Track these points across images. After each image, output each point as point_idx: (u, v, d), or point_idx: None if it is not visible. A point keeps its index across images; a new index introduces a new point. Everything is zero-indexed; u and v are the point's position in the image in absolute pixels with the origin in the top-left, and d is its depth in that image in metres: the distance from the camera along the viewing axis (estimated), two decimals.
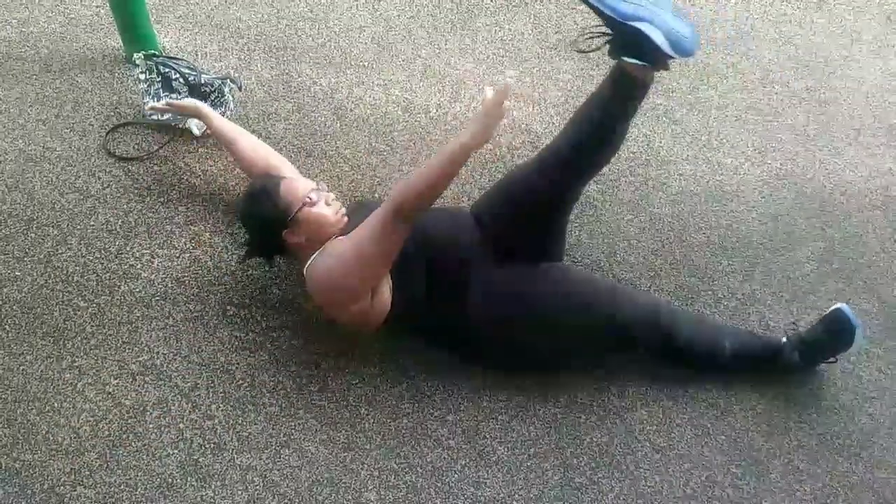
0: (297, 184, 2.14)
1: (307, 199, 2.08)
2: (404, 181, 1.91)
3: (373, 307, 2.05)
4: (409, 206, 1.86)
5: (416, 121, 2.92)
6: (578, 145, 2.11)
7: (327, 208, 2.11)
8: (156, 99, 2.75)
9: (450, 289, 2.08)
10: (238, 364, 2.22)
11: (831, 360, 2.22)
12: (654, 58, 1.94)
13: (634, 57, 1.95)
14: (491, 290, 2.07)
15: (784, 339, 2.21)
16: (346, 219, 2.14)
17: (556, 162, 2.13)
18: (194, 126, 2.73)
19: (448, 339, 2.19)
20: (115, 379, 2.18)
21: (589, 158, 2.15)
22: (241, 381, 2.18)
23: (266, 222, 2.12)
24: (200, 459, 2.04)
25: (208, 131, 2.73)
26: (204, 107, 2.52)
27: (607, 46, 2.01)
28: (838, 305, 2.15)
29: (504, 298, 2.08)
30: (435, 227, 2.13)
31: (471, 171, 2.74)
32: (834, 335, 2.15)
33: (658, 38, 1.86)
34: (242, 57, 3.11)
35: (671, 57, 1.90)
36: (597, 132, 2.11)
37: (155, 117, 2.76)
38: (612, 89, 2.06)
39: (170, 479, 2.01)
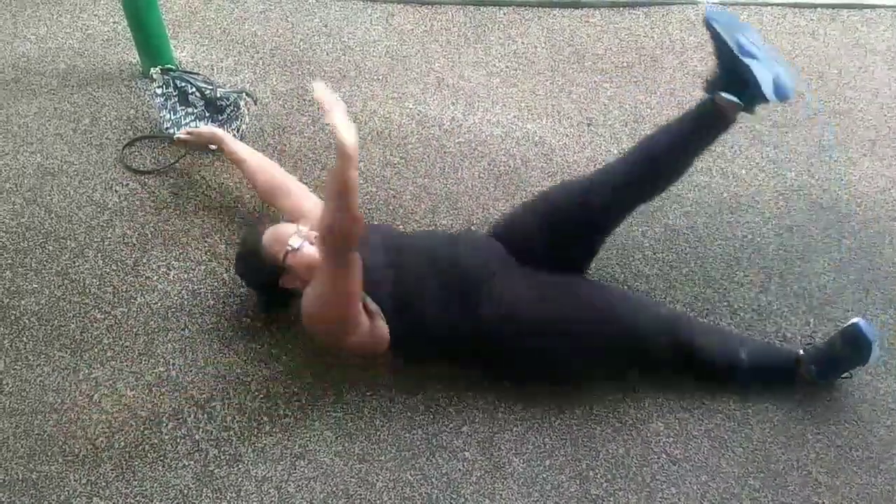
0: (279, 231, 2.15)
1: (289, 248, 2.10)
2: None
3: (371, 335, 2.07)
4: (330, 239, 1.82)
5: (430, 133, 2.93)
6: (645, 171, 2.18)
7: (311, 247, 2.11)
8: (171, 113, 2.78)
9: (463, 307, 2.07)
10: (253, 376, 2.22)
11: (846, 375, 2.20)
12: (750, 98, 2.01)
13: (734, 94, 2.02)
14: (508, 306, 2.06)
15: (801, 352, 2.19)
16: None
17: (617, 184, 2.17)
18: None
19: (462, 354, 2.19)
20: (132, 390, 2.19)
21: (652, 184, 2.22)
22: (256, 393, 2.19)
23: (261, 277, 2.21)
24: (216, 471, 2.04)
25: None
26: (219, 132, 2.59)
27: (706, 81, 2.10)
28: (855, 320, 2.13)
29: (522, 313, 2.07)
30: (442, 251, 2.14)
31: (484, 182, 2.75)
32: (850, 350, 2.12)
33: (766, 79, 1.94)
34: (258, 71, 3.14)
35: (766, 101, 1.97)
36: (668, 161, 2.16)
37: (172, 131, 2.79)
38: (694, 122, 2.11)
39: (185, 491, 2.01)
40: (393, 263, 2.11)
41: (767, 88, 1.95)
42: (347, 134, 1.71)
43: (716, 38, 2.04)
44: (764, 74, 1.95)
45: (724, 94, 2.04)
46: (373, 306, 2.05)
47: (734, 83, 2.02)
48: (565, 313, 2.09)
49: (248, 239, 2.22)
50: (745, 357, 2.16)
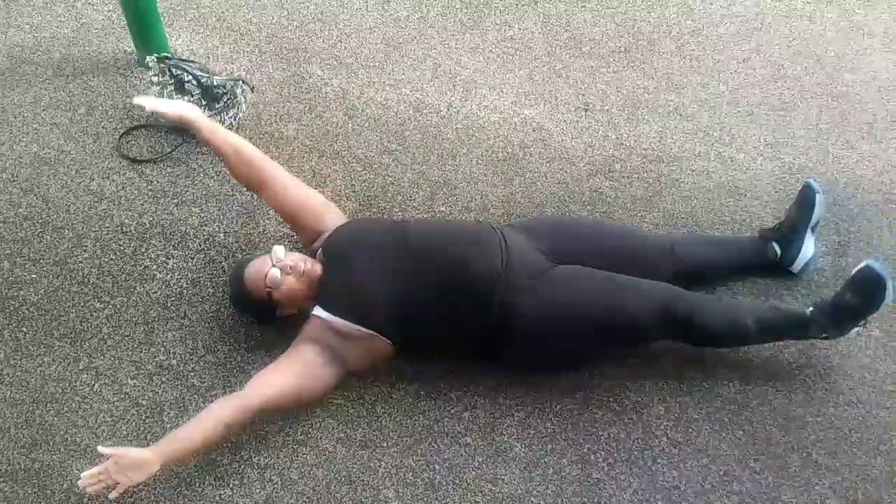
0: (256, 269, 2.12)
1: (268, 287, 2.09)
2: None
3: (371, 357, 2.11)
4: None
5: (427, 120, 2.92)
6: (692, 279, 2.32)
7: (290, 280, 2.10)
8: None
9: (472, 310, 2.06)
10: (254, 363, 2.22)
11: (862, 323, 2.10)
12: (786, 260, 2.40)
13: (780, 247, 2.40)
14: (515, 305, 2.04)
15: (810, 309, 2.13)
16: (318, 268, 2.13)
17: (667, 273, 2.25)
18: None
19: (470, 349, 2.19)
20: (132, 379, 2.19)
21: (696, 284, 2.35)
22: None
23: (259, 316, 2.23)
24: (218, 458, 2.05)
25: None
26: (191, 114, 2.23)
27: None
28: (866, 262, 2.08)
29: (530, 316, 2.05)
30: (455, 253, 2.11)
31: (482, 168, 2.75)
32: (863, 293, 2.06)
33: (806, 256, 2.40)
34: (254, 59, 3.13)
35: (789, 270, 2.42)
36: (712, 279, 2.43)
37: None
38: (748, 261, 2.43)
39: (188, 479, 2.01)
40: (398, 270, 2.08)
41: (801, 263, 2.39)
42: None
43: (807, 205, 2.37)
44: (808, 251, 2.39)
45: (774, 245, 2.40)
46: (354, 330, 2.05)
47: (783, 238, 2.39)
48: (574, 311, 2.07)
49: (234, 284, 2.19)
50: (750, 324, 2.12)
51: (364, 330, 2.04)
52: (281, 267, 2.09)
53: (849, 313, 2.09)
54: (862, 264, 2.09)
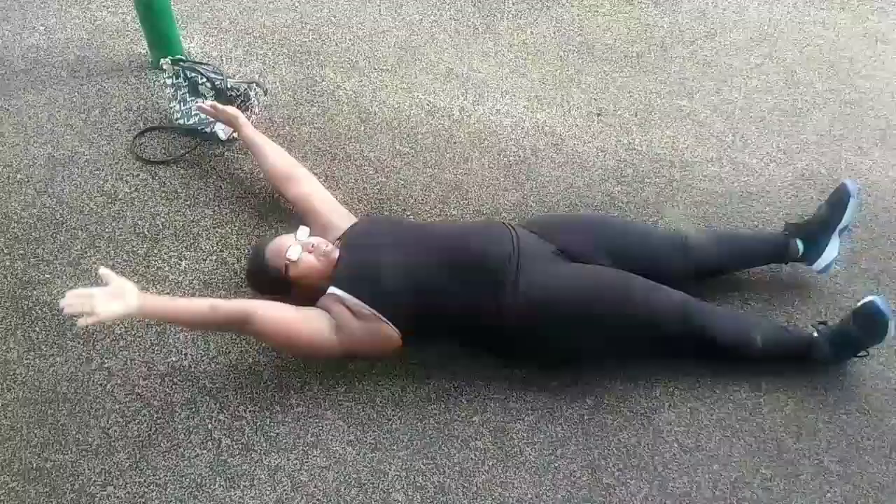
0: (278, 244, 2.18)
1: (287, 262, 2.13)
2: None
3: (371, 337, 2.10)
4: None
5: (439, 123, 2.93)
6: (710, 271, 2.39)
7: (310, 257, 2.15)
8: (181, 104, 2.78)
9: (484, 298, 2.07)
10: (265, 365, 2.23)
11: (863, 353, 2.20)
12: (808, 258, 2.38)
13: (802, 243, 2.38)
14: (530, 295, 2.05)
15: (815, 334, 2.20)
16: (335, 253, 2.17)
17: (682, 267, 2.29)
18: (220, 131, 2.76)
19: (481, 339, 2.20)
20: (144, 380, 2.19)
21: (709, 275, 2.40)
22: (268, 383, 2.19)
23: (274, 290, 2.21)
24: (229, 460, 2.05)
25: (234, 134, 2.74)
26: (240, 114, 2.58)
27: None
28: (870, 298, 2.14)
29: (544, 301, 2.07)
30: (467, 239, 2.17)
31: (493, 172, 2.75)
32: (866, 327, 2.13)
33: (830, 257, 2.36)
34: (267, 62, 3.14)
35: (810, 268, 2.40)
36: (730, 270, 2.46)
37: (182, 122, 2.79)
38: (765, 254, 2.44)
39: (199, 479, 2.02)
40: (411, 257, 2.12)
41: (823, 263, 2.35)
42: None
43: (839, 207, 2.32)
44: (832, 253, 2.34)
45: (798, 242, 2.36)
46: (365, 310, 2.06)
47: (809, 237, 2.35)
48: (585, 299, 2.09)
49: (253, 257, 2.26)
50: (758, 339, 2.18)
51: (373, 311, 2.06)
52: (302, 244, 2.16)
53: (851, 344, 2.19)
54: (866, 299, 2.16)
